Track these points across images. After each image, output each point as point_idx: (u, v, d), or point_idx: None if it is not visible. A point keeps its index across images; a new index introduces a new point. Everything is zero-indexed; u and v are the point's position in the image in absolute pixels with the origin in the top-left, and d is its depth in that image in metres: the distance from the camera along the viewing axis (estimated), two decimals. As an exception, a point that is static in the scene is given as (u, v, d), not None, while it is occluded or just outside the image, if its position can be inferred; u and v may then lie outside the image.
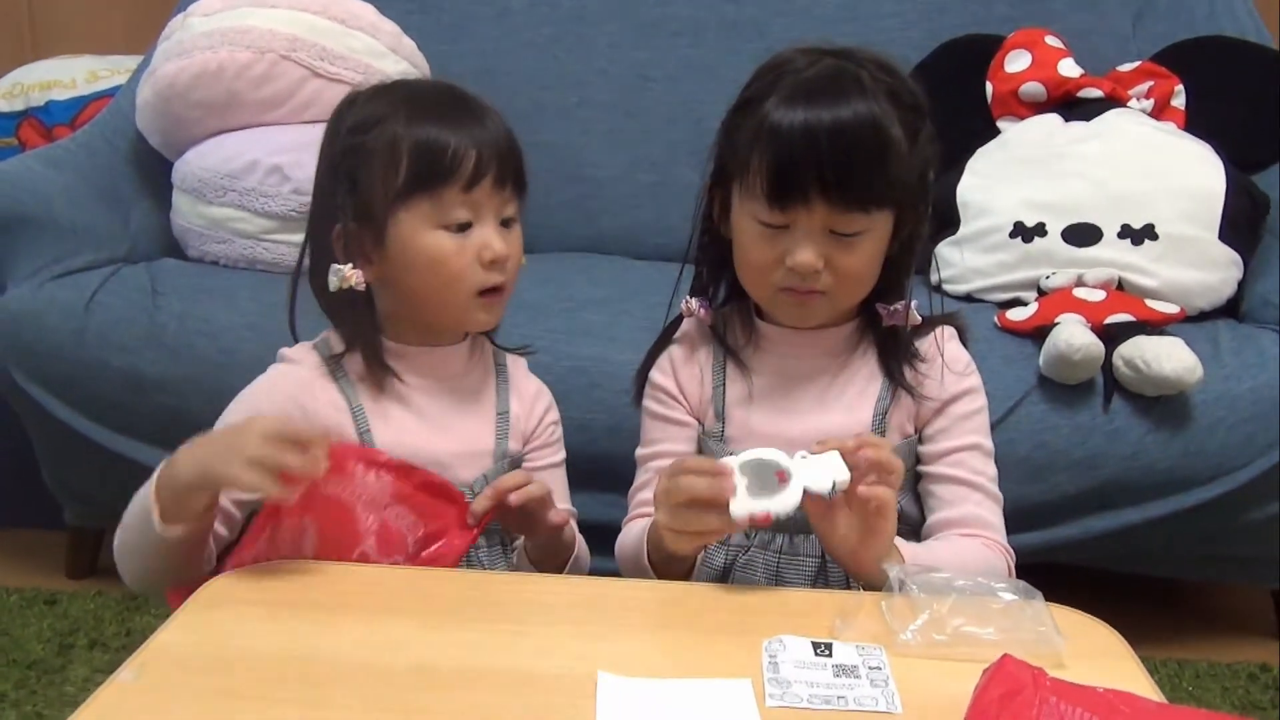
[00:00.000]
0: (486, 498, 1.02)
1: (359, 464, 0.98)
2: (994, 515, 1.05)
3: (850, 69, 0.97)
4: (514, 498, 1.01)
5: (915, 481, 1.08)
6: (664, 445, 1.11)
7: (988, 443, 1.08)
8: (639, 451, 1.15)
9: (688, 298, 1.11)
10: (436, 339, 1.10)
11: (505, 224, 1.06)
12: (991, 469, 1.07)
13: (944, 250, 1.79)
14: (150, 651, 0.82)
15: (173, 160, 1.85)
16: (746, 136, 0.98)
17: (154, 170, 1.88)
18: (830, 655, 0.83)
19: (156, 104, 1.82)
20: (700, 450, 1.10)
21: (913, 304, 1.06)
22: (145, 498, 0.95)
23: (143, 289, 1.68)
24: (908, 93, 0.99)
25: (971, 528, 1.02)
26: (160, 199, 1.86)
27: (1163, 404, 1.52)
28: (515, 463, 1.13)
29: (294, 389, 1.06)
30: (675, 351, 1.12)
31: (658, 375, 1.12)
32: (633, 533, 1.07)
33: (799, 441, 1.04)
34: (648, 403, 1.13)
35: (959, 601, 0.85)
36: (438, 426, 1.08)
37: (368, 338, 1.07)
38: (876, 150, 0.95)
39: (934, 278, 1.86)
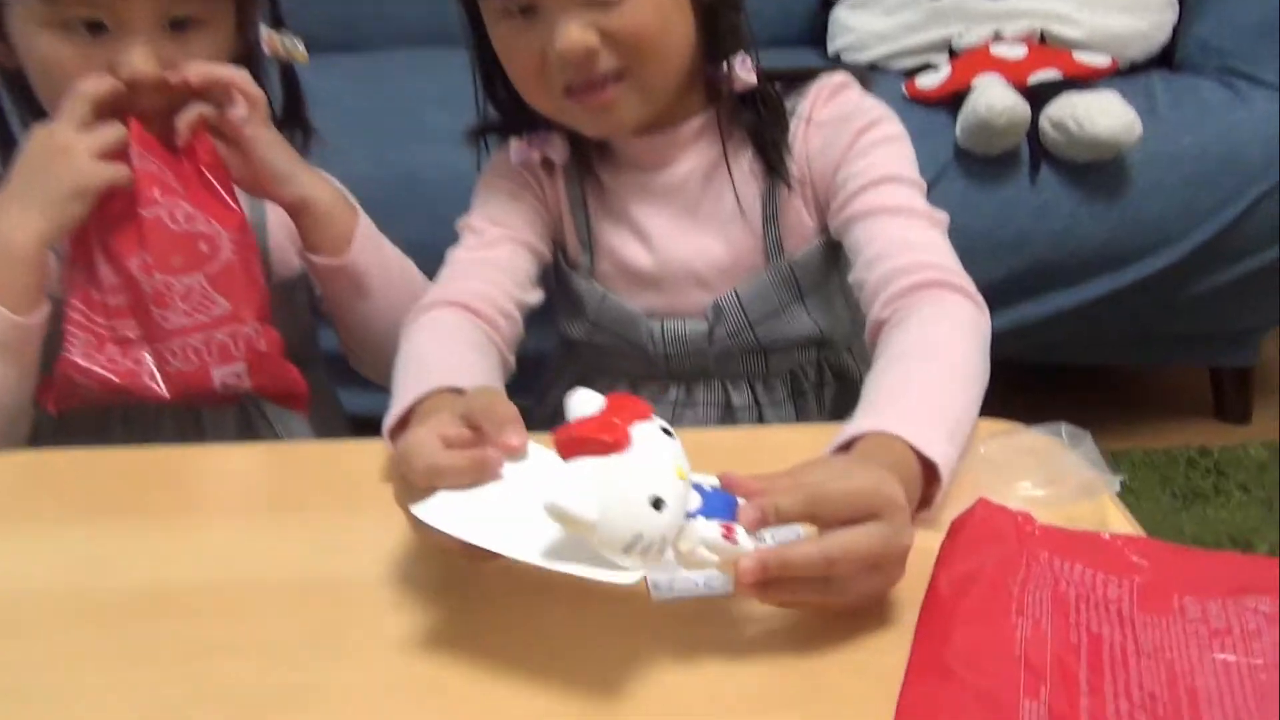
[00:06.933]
0: None
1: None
2: (939, 250, 0.77)
3: None
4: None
5: (828, 281, 0.86)
6: (513, 226, 0.85)
7: (916, 176, 0.81)
8: (464, 219, 0.87)
9: (504, 144, 0.87)
10: None
11: (178, 25, 0.78)
12: (925, 203, 0.80)
13: (840, 15, 1.67)
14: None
15: None
16: None
17: None
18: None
19: None
20: (558, 277, 0.87)
21: (744, 58, 0.81)
22: None
23: None
24: None
25: (917, 274, 0.74)
26: None
27: (1096, 171, 1.41)
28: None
29: None
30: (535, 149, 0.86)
31: (516, 153, 0.86)
32: (423, 333, 0.78)
33: (678, 273, 0.84)
34: (495, 178, 0.87)
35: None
36: None
37: None
38: None
39: (830, 47, 1.68)
